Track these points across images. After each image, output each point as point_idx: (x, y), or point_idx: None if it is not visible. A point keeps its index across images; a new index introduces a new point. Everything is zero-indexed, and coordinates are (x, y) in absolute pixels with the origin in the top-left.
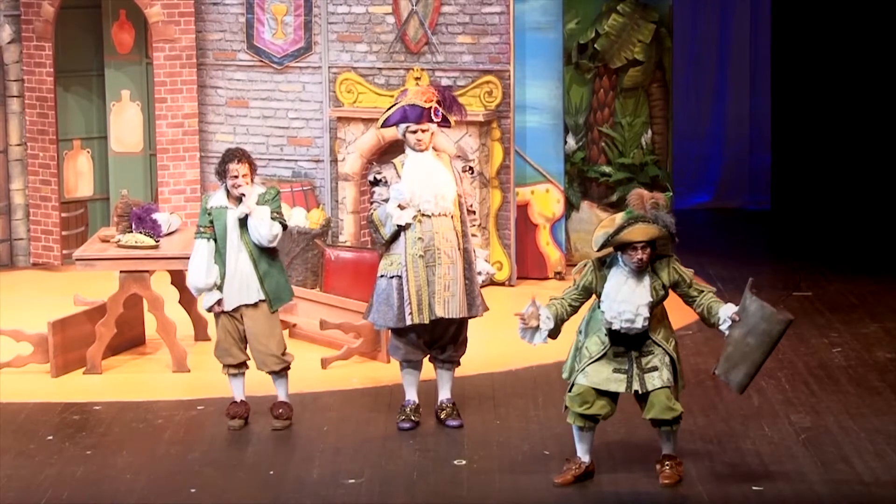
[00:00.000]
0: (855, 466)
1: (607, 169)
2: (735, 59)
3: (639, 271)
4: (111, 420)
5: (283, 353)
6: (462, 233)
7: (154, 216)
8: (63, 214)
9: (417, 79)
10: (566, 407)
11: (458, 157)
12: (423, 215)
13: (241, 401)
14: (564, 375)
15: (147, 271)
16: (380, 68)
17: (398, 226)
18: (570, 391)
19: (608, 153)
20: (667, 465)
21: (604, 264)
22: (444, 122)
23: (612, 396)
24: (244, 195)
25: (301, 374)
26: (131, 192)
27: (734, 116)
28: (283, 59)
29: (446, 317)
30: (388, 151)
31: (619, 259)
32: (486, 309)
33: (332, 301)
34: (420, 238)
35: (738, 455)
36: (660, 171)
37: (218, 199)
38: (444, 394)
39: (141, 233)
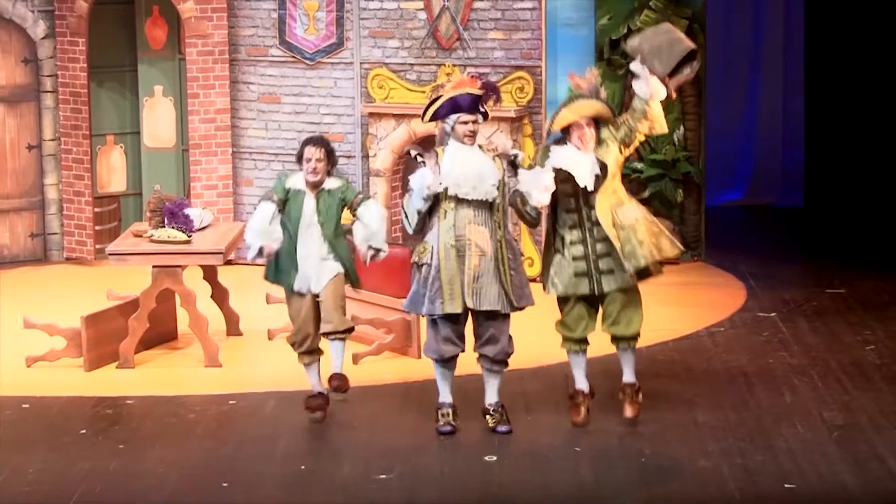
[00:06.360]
0: (888, 464)
1: (639, 165)
2: (768, 56)
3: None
4: (144, 414)
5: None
6: (503, 224)
7: (186, 211)
8: (96, 209)
9: (449, 74)
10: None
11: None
12: (458, 201)
13: (319, 392)
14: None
15: (179, 266)
16: (411, 64)
17: (421, 212)
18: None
19: (640, 149)
20: (628, 393)
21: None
22: (484, 114)
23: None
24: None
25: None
26: (164, 187)
27: (767, 113)
28: (315, 55)
29: (476, 308)
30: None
31: (569, 143)
32: (528, 304)
33: (363, 296)
34: (453, 226)
35: (771, 453)
36: (692, 168)
37: (297, 181)
38: (492, 397)
39: (173, 228)
